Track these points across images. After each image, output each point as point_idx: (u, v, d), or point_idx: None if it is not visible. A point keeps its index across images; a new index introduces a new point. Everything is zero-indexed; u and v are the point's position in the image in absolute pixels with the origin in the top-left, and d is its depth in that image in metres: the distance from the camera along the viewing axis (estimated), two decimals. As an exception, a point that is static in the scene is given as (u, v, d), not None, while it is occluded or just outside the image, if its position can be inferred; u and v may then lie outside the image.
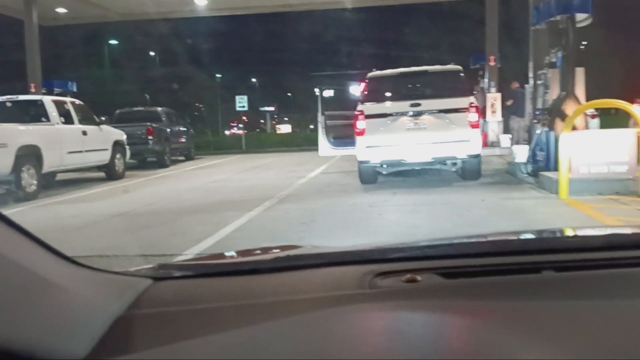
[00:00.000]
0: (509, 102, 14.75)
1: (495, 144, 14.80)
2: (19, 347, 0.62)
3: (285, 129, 52.78)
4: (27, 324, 0.64)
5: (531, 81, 10.37)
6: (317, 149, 10.96)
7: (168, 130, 16.72)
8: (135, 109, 18.31)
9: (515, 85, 14.82)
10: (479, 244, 1.23)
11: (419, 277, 0.94)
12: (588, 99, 8.51)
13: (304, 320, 0.78)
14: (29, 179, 9.24)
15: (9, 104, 10.75)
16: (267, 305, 0.88)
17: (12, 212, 7.51)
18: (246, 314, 0.85)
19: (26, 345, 0.63)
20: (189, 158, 18.85)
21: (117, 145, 12.53)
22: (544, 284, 0.94)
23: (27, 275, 0.68)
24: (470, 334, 0.69)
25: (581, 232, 1.41)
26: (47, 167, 9.85)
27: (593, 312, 0.77)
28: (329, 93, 11.54)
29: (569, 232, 1.33)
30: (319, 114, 10.64)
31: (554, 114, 8.33)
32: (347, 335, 0.71)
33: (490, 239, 1.29)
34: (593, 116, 11.01)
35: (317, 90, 11.02)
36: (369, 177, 9.08)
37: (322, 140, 10.53)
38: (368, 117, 8.54)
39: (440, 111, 8.43)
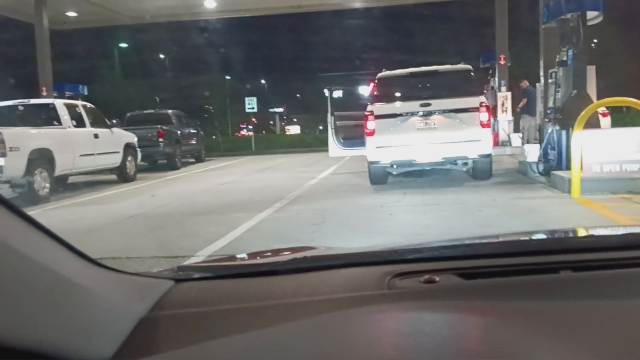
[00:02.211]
0: (523, 103, 14.61)
1: (506, 143, 14.75)
2: (45, 349, 0.63)
3: (294, 130, 52.82)
4: (53, 325, 0.65)
5: (542, 80, 10.32)
6: (326, 150, 10.96)
7: (178, 132, 16.81)
8: (145, 111, 18.46)
9: (525, 84, 14.73)
10: (496, 244, 1.23)
11: (437, 278, 0.95)
12: (599, 97, 8.45)
13: (324, 321, 0.78)
14: (41, 182, 9.32)
15: (21, 108, 10.84)
16: (287, 306, 0.89)
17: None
18: (267, 315, 0.86)
19: (53, 346, 0.64)
20: (199, 160, 18.93)
21: (129, 148, 12.60)
22: (562, 284, 0.94)
23: (53, 277, 0.69)
24: (489, 334, 0.70)
25: (598, 232, 1.41)
26: (59, 170, 9.93)
27: (612, 311, 0.77)
28: (338, 94, 11.47)
29: (586, 232, 1.32)
30: (329, 115, 10.59)
31: (565, 112, 8.28)
32: (367, 335, 0.71)
33: (507, 239, 1.29)
34: (604, 114, 10.93)
35: (326, 91, 10.97)
36: (379, 177, 9.06)
37: (332, 141, 10.49)
38: (378, 117, 8.53)
39: (451, 111, 8.40)
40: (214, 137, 28.51)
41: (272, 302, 0.90)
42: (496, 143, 13.43)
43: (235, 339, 0.74)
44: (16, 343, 0.60)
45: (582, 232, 1.33)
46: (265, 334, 0.74)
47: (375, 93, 9.12)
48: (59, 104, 10.85)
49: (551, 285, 0.93)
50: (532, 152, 9.35)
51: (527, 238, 1.30)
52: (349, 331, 0.72)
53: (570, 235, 1.37)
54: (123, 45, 36.28)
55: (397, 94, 9.06)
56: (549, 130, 8.78)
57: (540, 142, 9.37)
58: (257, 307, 0.89)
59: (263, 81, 54.09)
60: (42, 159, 9.40)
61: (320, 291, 0.93)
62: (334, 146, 10.47)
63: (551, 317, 0.75)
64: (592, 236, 1.30)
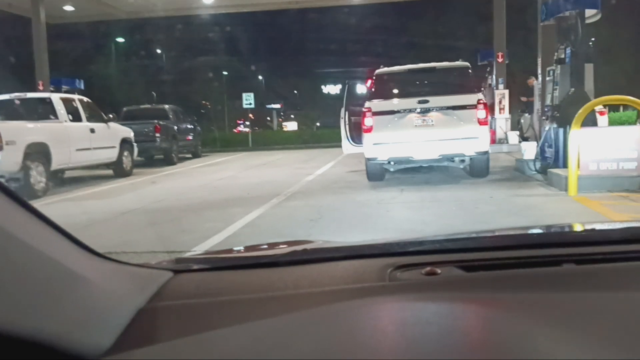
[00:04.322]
0: (531, 98, 14.51)
1: (503, 141, 14.78)
2: (45, 338, 0.63)
3: (291, 126, 52.80)
4: (53, 314, 0.65)
5: (540, 77, 10.33)
6: (323, 147, 10.93)
7: (175, 127, 16.78)
8: (142, 106, 18.39)
9: (532, 81, 14.62)
10: (498, 237, 1.23)
11: (438, 270, 0.94)
12: (597, 95, 8.46)
13: (326, 312, 0.78)
14: (37, 177, 9.29)
15: (17, 102, 10.80)
16: (288, 297, 0.88)
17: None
18: (267, 306, 0.85)
19: (53, 336, 0.64)
20: (195, 155, 18.91)
21: (125, 143, 12.57)
22: (565, 276, 0.94)
23: (53, 266, 0.68)
24: (494, 325, 0.69)
25: (600, 226, 1.41)
26: (55, 165, 9.90)
27: (614, 303, 0.77)
28: (354, 88, 11.07)
29: (588, 226, 1.32)
30: (343, 110, 9.98)
31: (562, 110, 8.29)
32: (370, 326, 0.71)
33: (509, 232, 1.28)
34: (602, 112, 10.94)
35: (327, 86, 10.88)
36: (376, 174, 9.06)
37: (345, 137, 9.92)
38: (375, 114, 8.52)
39: (448, 108, 8.41)
40: (210, 132, 28.44)
41: (273, 294, 0.89)
42: (493, 140, 13.44)
43: (235, 330, 0.73)
44: (16, 331, 0.60)
45: (584, 226, 1.33)
46: (266, 326, 0.74)
47: (372, 89, 9.11)
48: (56, 98, 10.80)
49: (554, 277, 0.93)
50: (529, 150, 9.36)
51: (529, 232, 1.30)
52: (352, 322, 0.71)
53: (573, 229, 1.37)
54: (120, 40, 36.19)
55: (395, 91, 9.05)
56: (547, 128, 8.80)
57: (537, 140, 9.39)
58: (258, 299, 0.88)
59: (260, 77, 54.06)
60: (38, 153, 9.37)
61: (321, 283, 0.93)
62: (347, 143, 9.92)
63: (554, 308, 0.74)
64: (594, 230, 1.30)
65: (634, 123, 14.21)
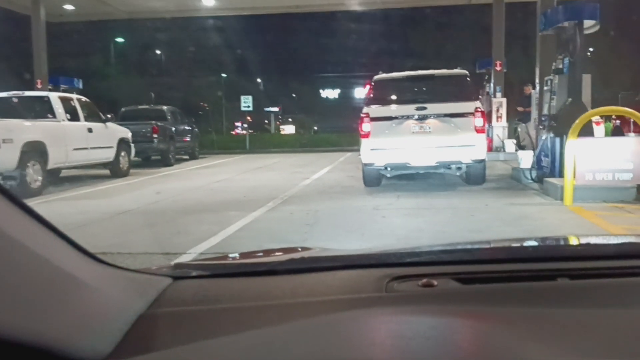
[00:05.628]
0: (528, 109, 14.52)
1: (500, 149, 14.81)
2: (45, 343, 0.63)
3: (289, 129, 52.79)
4: (54, 320, 0.65)
5: (537, 87, 10.36)
6: (320, 151, 10.92)
7: (173, 128, 16.77)
8: (140, 107, 18.38)
9: (529, 89, 14.60)
10: (494, 250, 1.23)
11: (435, 282, 0.95)
12: (594, 105, 8.50)
13: (323, 323, 0.78)
14: (34, 175, 9.27)
15: (15, 100, 10.78)
16: (285, 306, 0.89)
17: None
18: (265, 314, 0.86)
19: (52, 341, 0.64)
20: (193, 157, 18.89)
21: (122, 143, 12.56)
22: (559, 291, 0.94)
23: (54, 272, 0.68)
24: (486, 340, 0.70)
25: (595, 240, 1.42)
26: (52, 164, 9.88)
27: (608, 320, 0.78)
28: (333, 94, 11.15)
29: (583, 240, 1.33)
30: None
31: (559, 120, 8.32)
32: (366, 338, 0.71)
33: (505, 245, 1.29)
34: (598, 123, 10.98)
35: (325, 90, 10.88)
36: (373, 179, 9.06)
37: None
38: (373, 119, 8.54)
39: (446, 115, 8.42)
40: (208, 134, 28.42)
41: (271, 302, 0.90)
42: (490, 148, 13.47)
43: (233, 338, 0.74)
44: (13, 335, 0.59)
45: (579, 240, 1.34)
46: (263, 334, 0.74)
47: (371, 95, 9.12)
48: (54, 97, 10.79)
49: (548, 292, 0.93)
50: (526, 159, 9.38)
51: (524, 245, 1.31)
52: (349, 333, 0.72)
53: (568, 243, 1.37)
54: (119, 40, 36.19)
55: (393, 97, 9.06)
56: (543, 137, 8.82)
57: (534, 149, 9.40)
58: (256, 307, 0.89)
59: (259, 80, 54.06)
60: (35, 151, 9.35)
61: (319, 292, 0.93)
62: None
63: (548, 323, 0.75)
64: (589, 244, 1.31)
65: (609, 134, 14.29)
